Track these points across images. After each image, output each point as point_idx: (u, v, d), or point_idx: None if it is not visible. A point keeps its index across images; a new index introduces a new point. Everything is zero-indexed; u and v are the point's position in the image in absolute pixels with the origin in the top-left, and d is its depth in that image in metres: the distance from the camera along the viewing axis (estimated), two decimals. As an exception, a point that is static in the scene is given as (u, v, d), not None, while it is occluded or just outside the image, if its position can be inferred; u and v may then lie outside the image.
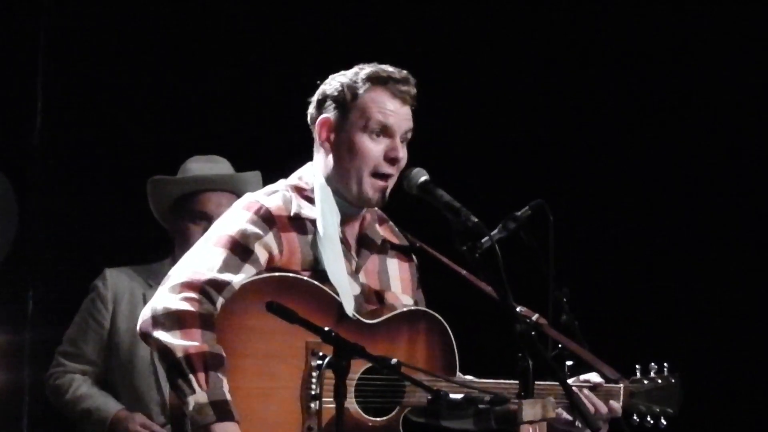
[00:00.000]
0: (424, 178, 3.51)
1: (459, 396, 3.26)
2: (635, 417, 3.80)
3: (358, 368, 3.40)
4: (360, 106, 3.51)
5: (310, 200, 3.55)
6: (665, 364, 3.88)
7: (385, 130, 3.51)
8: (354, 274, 3.57)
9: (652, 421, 3.82)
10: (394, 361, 3.21)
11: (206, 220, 4.55)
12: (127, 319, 4.61)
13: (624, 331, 5.53)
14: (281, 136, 5.02)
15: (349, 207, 3.57)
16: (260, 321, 3.31)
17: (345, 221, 3.58)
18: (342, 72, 3.58)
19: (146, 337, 3.36)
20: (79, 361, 4.67)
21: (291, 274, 3.46)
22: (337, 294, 3.46)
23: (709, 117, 5.86)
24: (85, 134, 5.68)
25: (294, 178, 3.62)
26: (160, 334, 3.30)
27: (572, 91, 5.93)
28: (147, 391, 4.60)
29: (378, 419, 3.47)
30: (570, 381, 3.67)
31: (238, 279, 3.39)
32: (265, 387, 3.36)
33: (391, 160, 3.52)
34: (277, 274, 3.45)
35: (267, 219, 3.47)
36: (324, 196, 3.54)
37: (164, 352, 3.30)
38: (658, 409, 3.82)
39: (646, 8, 5.91)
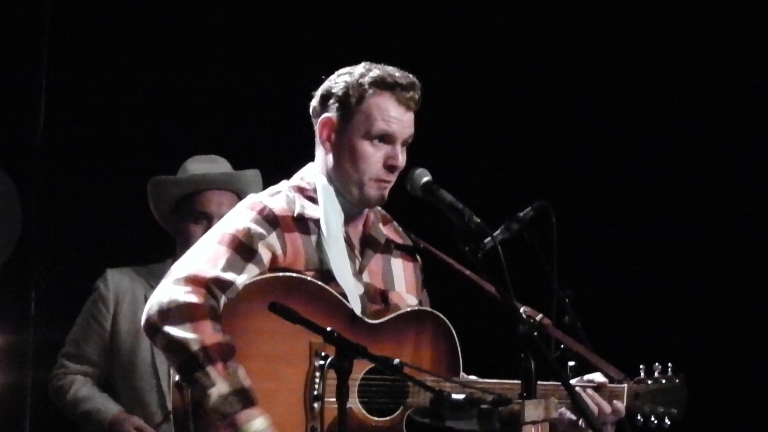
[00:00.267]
0: (426, 178, 3.50)
1: (461, 396, 3.25)
2: (639, 418, 3.78)
3: (361, 368, 3.39)
4: (364, 111, 3.50)
5: (313, 200, 3.54)
6: (669, 365, 3.87)
7: (386, 137, 3.51)
8: (358, 274, 3.57)
9: (656, 422, 3.80)
10: (396, 361, 3.20)
11: (207, 219, 4.55)
12: (129, 320, 4.61)
13: (628, 332, 5.52)
14: (281, 137, 5.02)
15: (352, 207, 3.57)
16: (264, 322, 3.29)
17: (348, 221, 3.57)
18: (348, 69, 3.56)
19: (154, 332, 3.31)
20: (80, 363, 4.68)
21: (295, 275, 3.45)
22: (342, 294, 3.45)
23: (712, 117, 5.85)
24: (88, 135, 5.68)
25: (296, 179, 3.61)
26: (171, 329, 3.27)
27: (576, 91, 5.93)
28: (147, 392, 4.60)
29: (381, 419, 3.46)
30: (573, 381, 3.67)
31: (241, 279, 3.38)
32: (268, 389, 3.34)
33: (390, 168, 3.51)
34: (281, 274, 3.44)
35: (271, 219, 3.47)
36: (327, 195, 3.53)
37: (176, 346, 3.27)
38: (662, 410, 3.81)
39: (647, 8, 5.91)
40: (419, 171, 3.52)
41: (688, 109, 5.89)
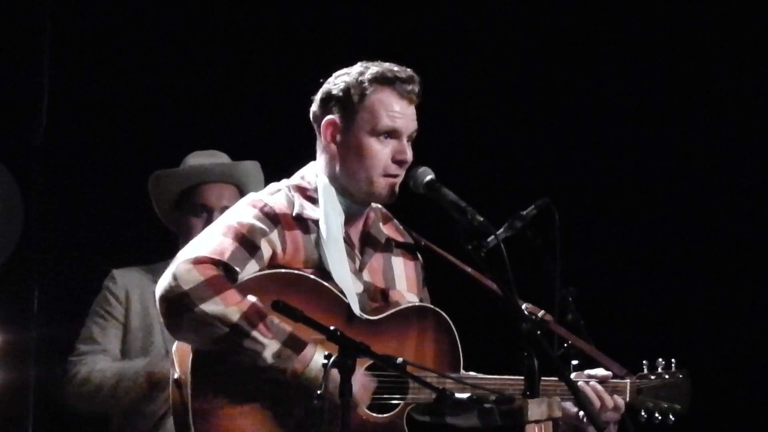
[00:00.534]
0: (429, 177, 3.51)
1: (464, 395, 3.25)
2: (643, 413, 3.78)
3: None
4: (367, 108, 3.51)
5: (313, 200, 3.54)
6: (673, 360, 3.86)
7: (392, 133, 3.51)
8: (357, 272, 3.57)
9: (660, 418, 3.80)
10: (399, 360, 3.20)
11: (207, 212, 4.55)
12: (140, 317, 4.59)
13: (630, 329, 5.51)
14: (282, 134, 5.02)
15: (354, 206, 3.57)
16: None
17: (349, 220, 3.58)
18: (345, 70, 3.56)
19: (181, 314, 3.27)
20: (101, 354, 4.60)
21: (295, 271, 3.46)
22: (341, 292, 3.45)
23: (713, 117, 5.85)
24: (89, 134, 5.68)
25: (296, 178, 3.61)
26: (205, 306, 3.25)
27: (578, 90, 5.92)
28: None
29: (381, 416, 3.46)
30: (575, 375, 3.66)
31: (242, 274, 3.38)
32: (271, 387, 3.34)
33: (399, 162, 3.52)
34: (282, 270, 3.45)
35: (272, 217, 3.47)
36: (328, 195, 3.53)
37: (214, 321, 3.25)
38: (665, 405, 3.80)
39: (647, 8, 5.90)
40: (422, 169, 3.52)
41: (689, 109, 5.88)
